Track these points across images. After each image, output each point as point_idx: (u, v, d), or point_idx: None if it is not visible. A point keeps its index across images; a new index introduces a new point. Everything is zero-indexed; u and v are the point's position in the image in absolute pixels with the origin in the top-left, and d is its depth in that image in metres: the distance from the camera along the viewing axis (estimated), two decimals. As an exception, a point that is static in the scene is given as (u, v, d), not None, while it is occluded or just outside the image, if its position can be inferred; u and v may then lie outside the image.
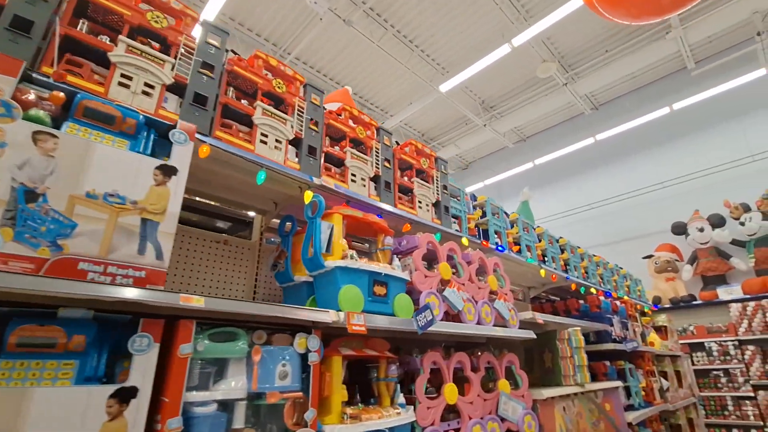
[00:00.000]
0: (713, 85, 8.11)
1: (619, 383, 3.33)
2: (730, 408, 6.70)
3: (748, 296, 7.01)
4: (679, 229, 8.31)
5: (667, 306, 8.03)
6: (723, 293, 7.38)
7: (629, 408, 3.63)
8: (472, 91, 10.34)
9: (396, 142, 2.46)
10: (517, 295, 4.20)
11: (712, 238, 7.80)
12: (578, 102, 9.90)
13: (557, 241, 4.05)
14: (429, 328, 1.82)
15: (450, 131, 11.96)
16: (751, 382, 6.53)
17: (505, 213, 3.27)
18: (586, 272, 4.30)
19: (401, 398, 1.62)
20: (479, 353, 2.19)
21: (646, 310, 5.48)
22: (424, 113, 11.14)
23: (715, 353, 7.11)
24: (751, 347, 6.67)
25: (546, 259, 3.58)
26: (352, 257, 1.63)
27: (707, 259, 7.84)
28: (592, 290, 3.94)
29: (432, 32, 8.38)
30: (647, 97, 9.60)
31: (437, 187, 2.52)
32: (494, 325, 2.22)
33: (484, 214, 2.98)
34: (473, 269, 2.26)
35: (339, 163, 2.02)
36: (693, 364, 7.33)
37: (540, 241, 3.60)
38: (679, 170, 8.69)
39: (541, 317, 2.59)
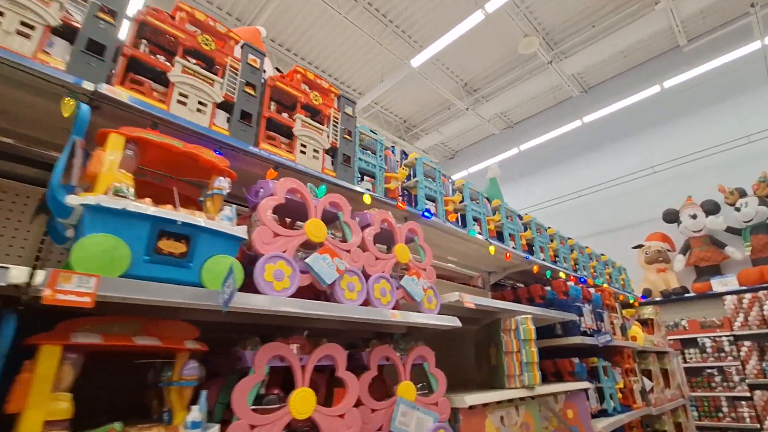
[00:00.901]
0: (706, 61, 7.52)
1: (586, 384, 2.76)
2: (725, 409, 6.15)
3: (744, 288, 6.45)
4: (671, 217, 7.74)
5: (658, 299, 7.47)
6: (717, 285, 6.82)
7: (601, 414, 3.07)
8: (454, 72, 9.76)
9: (276, 69, 1.88)
10: (476, 282, 3.63)
11: (706, 226, 7.24)
12: (565, 83, 9.32)
13: (520, 217, 3.48)
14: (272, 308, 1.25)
15: (433, 117, 11.38)
16: (747, 381, 5.98)
17: (447, 176, 2.69)
18: (556, 255, 3.73)
19: (195, 413, 1.04)
20: (372, 346, 1.61)
21: (630, 300, 4.91)
22: (404, 97, 10.58)
23: (708, 350, 6.55)
24: (747, 343, 6.11)
25: (503, 236, 3.00)
26: (121, 193, 1.05)
27: (701, 248, 7.27)
28: (561, 274, 3.37)
29: (405, 5, 7.78)
30: (638, 78, 9.01)
31: (335, 131, 1.93)
32: (397, 309, 1.64)
33: (415, 175, 2.40)
34: (370, 234, 1.68)
35: (165, 80, 1.44)
36: (685, 361, 6.77)
37: (495, 214, 3.02)
38: (671, 153, 8.12)
39: (474, 301, 2.01)
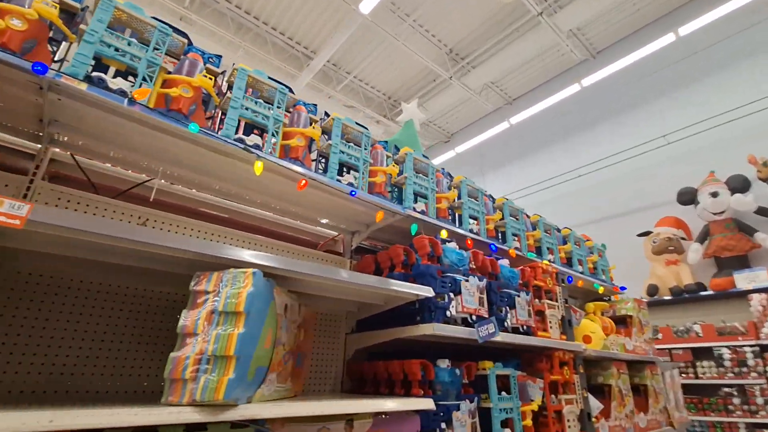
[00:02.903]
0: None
1: (419, 403, 1.63)
2: (745, 441, 4.70)
3: (776, 284, 4.96)
4: (688, 197, 6.26)
5: (667, 298, 6.04)
6: (742, 280, 5.33)
7: (483, 450, 1.93)
8: (435, 36, 8.58)
9: None
10: (335, 247, 2.57)
11: (730, 206, 5.73)
12: (564, 43, 7.91)
13: (389, 151, 2.39)
14: None
15: (418, 91, 10.23)
16: (774, 405, 4.52)
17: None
18: (458, 214, 2.60)
19: None
20: None
21: (597, 289, 3.65)
22: (386, 70, 9.52)
23: (727, 363, 5.09)
24: (777, 356, 4.64)
25: (342, 171, 1.95)
26: None
27: (723, 234, 5.77)
28: (443, 233, 2.24)
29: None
30: (654, 35, 7.49)
31: None
32: None
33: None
34: None
35: None
36: (696, 376, 5.34)
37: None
38: (689, 119, 6.59)
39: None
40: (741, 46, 6.44)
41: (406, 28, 8.07)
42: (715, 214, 5.86)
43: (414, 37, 8.37)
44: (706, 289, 5.76)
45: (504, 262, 2.45)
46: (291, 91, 1.95)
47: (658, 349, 5.74)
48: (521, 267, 2.54)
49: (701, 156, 6.47)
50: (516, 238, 2.98)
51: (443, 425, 1.78)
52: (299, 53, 8.75)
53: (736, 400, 4.88)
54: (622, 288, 3.96)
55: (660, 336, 5.77)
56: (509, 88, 10.01)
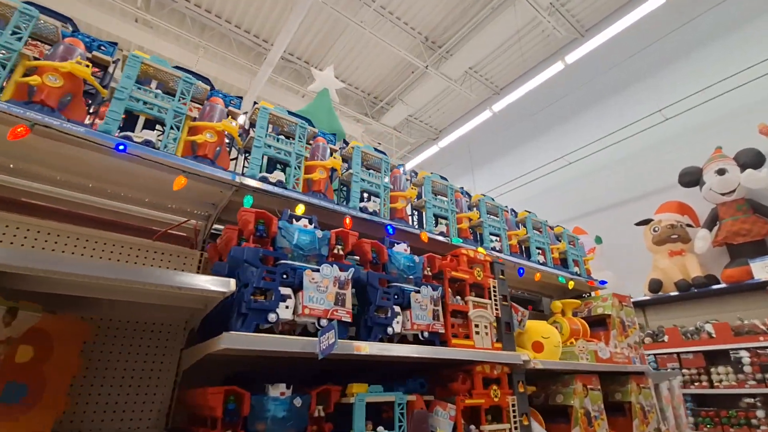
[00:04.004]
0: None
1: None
2: (774, 464, 3.87)
3: (801, 271, 4.15)
4: (691, 177, 5.48)
5: (673, 293, 5.24)
6: (760, 270, 4.53)
7: None
8: (408, 24, 8.04)
9: None
10: (192, 238, 2.00)
11: (741, 184, 4.94)
12: (545, 20, 7.26)
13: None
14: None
15: (398, 86, 9.69)
16: (807, 421, 3.69)
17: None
18: (346, 186, 2.02)
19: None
20: None
21: (565, 282, 2.96)
22: (362, 66, 9.04)
23: (747, 368, 4.29)
24: (807, 358, 3.83)
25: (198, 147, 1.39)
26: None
27: (734, 217, 4.97)
28: (298, 209, 1.65)
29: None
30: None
31: None
32: None
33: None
34: None
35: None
36: (712, 385, 4.53)
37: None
38: (686, 91, 5.82)
39: None
40: (738, 10, 5.70)
41: (374, 16, 7.56)
42: (723, 194, 5.07)
43: (385, 26, 7.87)
44: (718, 282, 4.97)
45: (401, 247, 1.84)
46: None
47: (664, 354, 4.96)
48: (428, 254, 1.92)
49: (704, 131, 5.71)
50: (443, 221, 2.36)
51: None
52: (264, 50, 8.33)
53: (760, 413, 4.05)
54: (602, 282, 3.26)
55: (666, 338, 4.97)
56: (494, 76, 9.38)
